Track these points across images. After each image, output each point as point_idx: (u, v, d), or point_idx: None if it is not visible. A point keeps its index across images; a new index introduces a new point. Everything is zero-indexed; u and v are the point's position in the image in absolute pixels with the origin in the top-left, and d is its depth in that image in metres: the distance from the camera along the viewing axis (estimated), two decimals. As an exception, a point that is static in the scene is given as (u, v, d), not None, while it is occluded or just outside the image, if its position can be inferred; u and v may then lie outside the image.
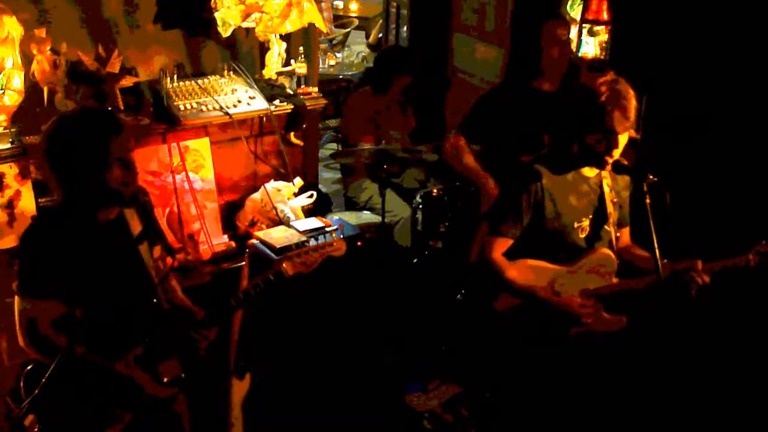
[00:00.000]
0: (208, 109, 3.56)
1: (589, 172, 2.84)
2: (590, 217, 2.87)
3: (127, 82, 3.45)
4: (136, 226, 2.46)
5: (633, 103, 2.65)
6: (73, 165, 2.28)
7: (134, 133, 2.96)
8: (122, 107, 3.42)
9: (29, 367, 2.37)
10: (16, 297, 2.36)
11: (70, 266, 2.32)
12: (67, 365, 2.24)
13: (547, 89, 3.64)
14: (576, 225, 2.85)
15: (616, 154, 2.70)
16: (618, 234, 2.94)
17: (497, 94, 3.80)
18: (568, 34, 3.69)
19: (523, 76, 3.68)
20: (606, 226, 2.89)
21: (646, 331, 2.94)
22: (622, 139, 2.68)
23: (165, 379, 2.45)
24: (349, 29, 8.39)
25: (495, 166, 3.72)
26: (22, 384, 2.34)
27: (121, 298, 2.40)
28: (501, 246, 2.83)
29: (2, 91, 3.12)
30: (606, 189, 2.86)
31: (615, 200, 2.89)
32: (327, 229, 3.47)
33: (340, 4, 8.65)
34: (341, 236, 3.39)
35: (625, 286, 2.86)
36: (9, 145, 3.15)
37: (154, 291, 2.48)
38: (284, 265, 2.58)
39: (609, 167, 2.76)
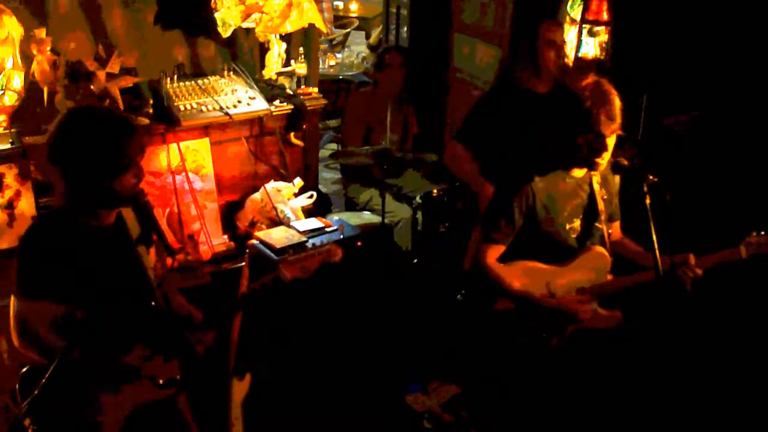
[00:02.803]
0: (208, 109, 3.56)
1: (578, 172, 2.84)
2: (581, 216, 2.88)
3: (127, 82, 3.45)
4: (134, 229, 2.45)
5: (617, 104, 2.66)
6: (83, 167, 2.24)
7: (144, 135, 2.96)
8: (122, 107, 3.42)
9: (25, 369, 2.36)
10: (12, 297, 2.35)
11: (68, 268, 2.30)
12: (65, 367, 2.23)
13: (541, 91, 3.63)
14: (568, 226, 2.85)
15: (606, 156, 2.71)
16: (609, 230, 2.95)
17: (491, 98, 3.79)
18: (563, 36, 3.67)
19: (517, 78, 3.66)
20: (597, 224, 2.90)
21: (644, 328, 2.95)
22: (610, 141, 2.69)
23: (161, 381, 2.45)
24: (349, 30, 8.39)
25: (492, 171, 3.71)
26: (17, 386, 2.33)
27: (119, 300, 2.39)
28: (494, 252, 2.83)
29: (2, 91, 3.12)
30: (596, 187, 2.87)
31: (605, 197, 2.89)
32: (327, 229, 3.47)
33: (340, 5, 8.64)
34: (340, 236, 3.40)
35: (620, 283, 2.87)
36: (9, 146, 3.15)
37: (152, 293, 2.47)
38: (283, 270, 2.59)
39: (601, 167, 2.77)
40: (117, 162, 2.25)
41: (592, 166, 2.75)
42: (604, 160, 2.72)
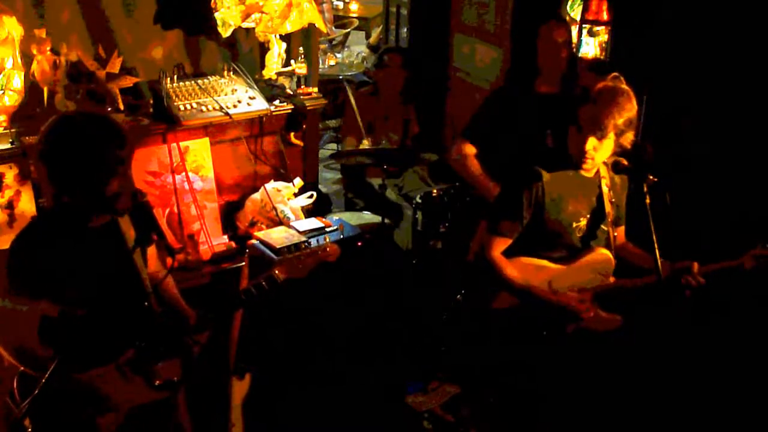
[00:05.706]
0: (208, 109, 3.56)
1: (587, 171, 2.84)
2: (588, 216, 2.88)
3: (127, 82, 3.45)
4: (129, 230, 2.44)
5: (633, 104, 2.65)
6: (70, 172, 2.24)
7: (134, 139, 2.93)
8: (122, 107, 3.42)
9: (21, 369, 2.35)
10: None
11: (61, 269, 2.29)
12: (59, 369, 2.22)
13: (546, 91, 3.63)
14: (574, 225, 2.85)
15: (605, 154, 2.71)
16: (615, 233, 2.94)
17: (498, 97, 3.79)
18: (567, 36, 3.66)
19: (522, 77, 3.66)
20: (603, 226, 2.89)
21: (645, 331, 2.95)
22: (610, 141, 2.68)
23: (157, 383, 2.44)
24: (349, 30, 8.38)
25: (498, 169, 3.71)
26: (15, 385, 2.32)
27: (112, 301, 2.38)
28: (500, 245, 2.83)
29: (2, 92, 3.12)
30: (604, 189, 2.86)
31: (612, 200, 2.89)
32: (327, 229, 3.47)
33: (340, 5, 8.63)
34: (340, 236, 3.40)
35: (622, 286, 2.87)
36: (9, 146, 3.15)
37: (146, 295, 2.46)
38: (276, 270, 2.58)
39: (608, 167, 2.77)
40: (99, 170, 2.24)
41: (582, 162, 2.75)
42: (596, 158, 2.71)
